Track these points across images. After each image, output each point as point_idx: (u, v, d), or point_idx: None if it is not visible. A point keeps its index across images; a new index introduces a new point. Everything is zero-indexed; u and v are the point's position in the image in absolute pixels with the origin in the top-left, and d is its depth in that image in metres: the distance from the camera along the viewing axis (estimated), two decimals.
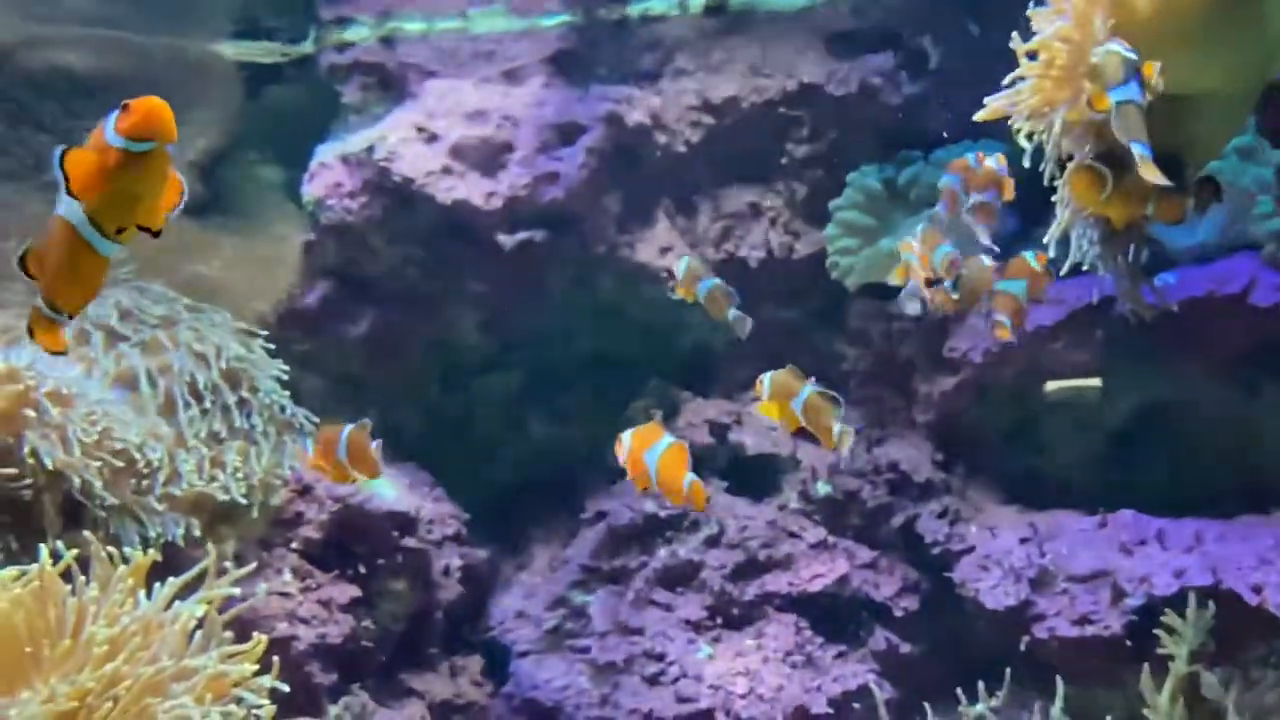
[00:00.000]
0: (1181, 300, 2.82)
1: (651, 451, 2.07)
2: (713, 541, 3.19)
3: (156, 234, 1.32)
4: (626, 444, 2.11)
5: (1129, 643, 2.79)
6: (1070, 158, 2.10)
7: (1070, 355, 3.11)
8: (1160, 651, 2.56)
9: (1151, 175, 1.75)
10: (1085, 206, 2.11)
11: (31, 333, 1.38)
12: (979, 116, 2.13)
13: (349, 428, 2.21)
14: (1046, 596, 2.94)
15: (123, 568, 1.81)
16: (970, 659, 3.01)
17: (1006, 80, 2.01)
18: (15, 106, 2.91)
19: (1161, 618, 2.60)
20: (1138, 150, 1.75)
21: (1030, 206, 3.07)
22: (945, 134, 2.36)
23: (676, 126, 3.35)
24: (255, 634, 1.86)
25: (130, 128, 1.25)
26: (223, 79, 3.28)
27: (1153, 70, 1.78)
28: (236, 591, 1.93)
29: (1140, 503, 3.03)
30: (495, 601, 3.26)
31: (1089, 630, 2.84)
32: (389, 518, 2.94)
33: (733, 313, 2.58)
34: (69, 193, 1.27)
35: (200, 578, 1.93)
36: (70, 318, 1.38)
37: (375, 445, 2.21)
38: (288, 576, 2.65)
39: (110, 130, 1.25)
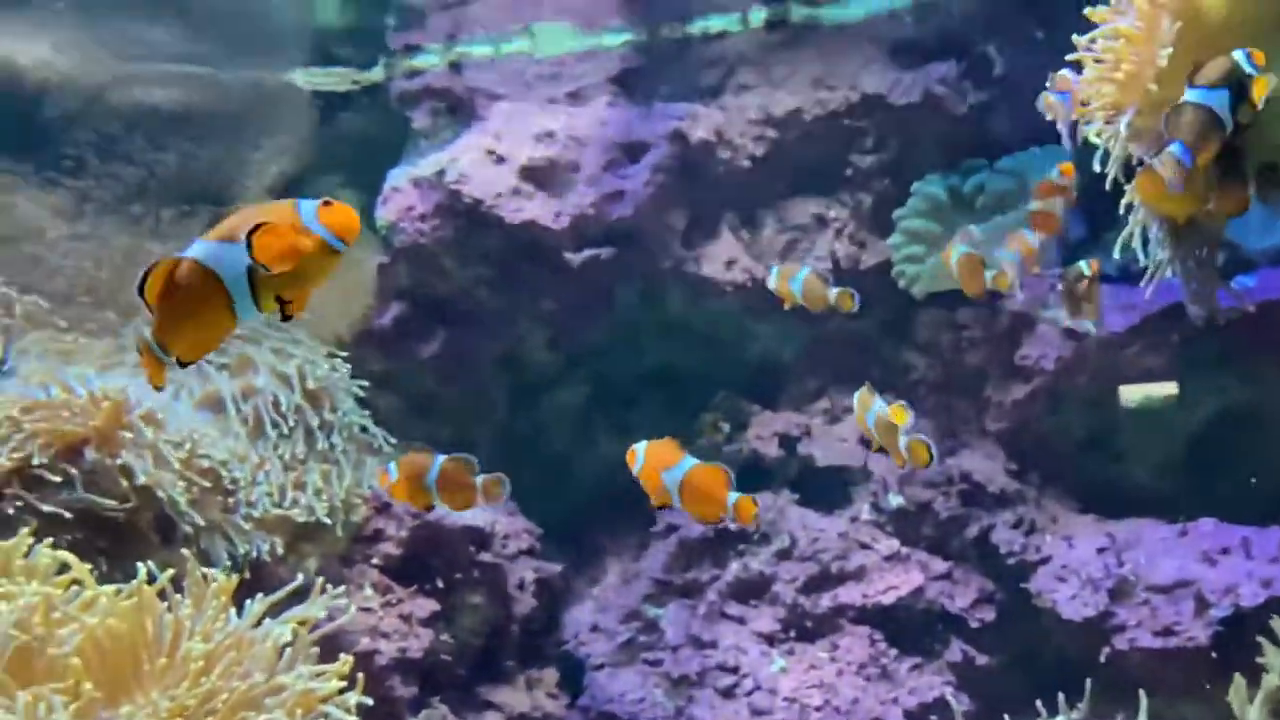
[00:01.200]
0: (1259, 302, 2.76)
1: (672, 473, 1.97)
2: (784, 554, 3.19)
3: (288, 318, 1.40)
4: (640, 456, 2.00)
5: (1214, 654, 2.73)
6: (1140, 162, 2.08)
7: (1144, 361, 3.06)
8: (1259, 661, 2.49)
9: (1169, 170, 1.74)
10: (1151, 206, 2.09)
11: (140, 355, 1.44)
12: (1047, 83, 2.14)
13: (441, 458, 2.23)
14: (1126, 607, 2.89)
15: (215, 585, 1.87)
16: (1048, 670, 2.98)
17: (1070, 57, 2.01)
18: (107, 142, 3.04)
19: (1270, 622, 2.52)
20: (1174, 150, 1.74)
21: (1097, 212, 3.06)
22: (1037, 147, 2.40)
23: (740, 141, 3.36)
24: (341, 654, 1.91)
25: (335, 225, 1.34)
26: (297, 107, 3.38)
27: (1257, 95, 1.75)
28: (324, 614, 1.98)
29: (1221, 511, 2.97)
30: (569, 615, 3.30)
31: (1172, 642, 2.79)
32: (465, 533, 2.99)
33: (833, 292, 2.58)
34: (248, 253, 1.32)
35: (288, 595, 1.99)
36: (182, 365, 1.42)
37: (495, 478, 2.22)
38: (369, 592, 2.70)
39: (312, 217, 1.34)
